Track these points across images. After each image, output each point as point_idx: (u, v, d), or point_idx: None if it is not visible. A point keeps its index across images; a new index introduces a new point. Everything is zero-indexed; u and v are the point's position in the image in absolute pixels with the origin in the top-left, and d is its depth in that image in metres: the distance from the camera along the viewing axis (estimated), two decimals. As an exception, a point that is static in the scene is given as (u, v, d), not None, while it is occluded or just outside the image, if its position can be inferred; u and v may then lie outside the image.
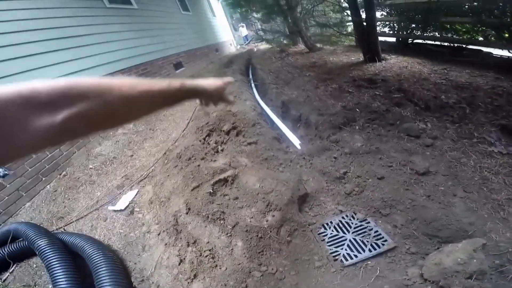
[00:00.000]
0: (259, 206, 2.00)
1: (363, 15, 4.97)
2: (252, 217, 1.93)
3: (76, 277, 1.67)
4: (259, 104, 4.57)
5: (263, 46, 13.10)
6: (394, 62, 5.03)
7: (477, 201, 1.86)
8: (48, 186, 3.17)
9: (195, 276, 1.67)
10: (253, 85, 6.05)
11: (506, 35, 4.44)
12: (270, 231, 1.82)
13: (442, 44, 5.80)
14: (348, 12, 5.63)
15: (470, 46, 5.30)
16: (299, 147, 3.02)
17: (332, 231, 1.92)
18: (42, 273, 2.02)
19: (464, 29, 5.31)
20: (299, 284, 1.61)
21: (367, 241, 1.78)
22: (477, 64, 4.33)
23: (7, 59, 3.03)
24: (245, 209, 2.01)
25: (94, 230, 2.35)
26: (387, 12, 6.74)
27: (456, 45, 5.49)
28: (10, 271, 2.08)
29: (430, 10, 5.14)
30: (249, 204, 2.04)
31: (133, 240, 2.15)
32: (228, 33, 17.14)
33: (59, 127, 0.40)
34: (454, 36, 5.49)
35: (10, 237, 2.11)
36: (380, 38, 5.64)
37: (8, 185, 2.80)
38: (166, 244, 1.95)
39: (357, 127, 2.93)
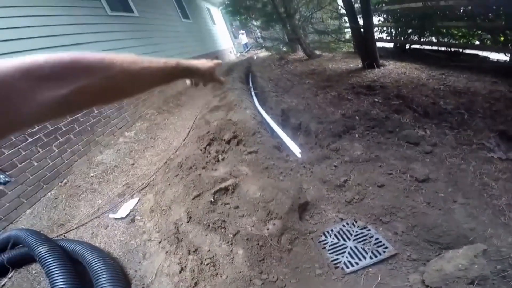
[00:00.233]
0: (260, 215, 2.01)
1: (361, 22, 5.03)
2: (253, 226, 1.94)
3: (76, 284, 1.67)
4: (259, 112, 4.60)
5: (263, 53, 13.22)
6: (392, 68, 5.07)
7: (477, 207, 1.86)
8: (49, 193, 3.19)
9: (196, 284, 1.67)
10: (253, 93, 6.09)
11: (502, 38, 4.48)
12: (271, 240, 1.83)
13: (439, 49, 5.86)
14: (346, 18, 5.71)
15: (467, 51, 5.35)
16: (299, 155, 3.03)
17: (333, 239, 1.92)
18: (41, 279, 2.02)
19: (460, 33, 5.36)
20: (300, 292, 1.60)
21: (368, 249, 1.78)
22: (474, 68, 4.36)
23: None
24: (246, 218, 2.02)
25: (95, 238, 2.36)
26: (384, 18, 6.82)
27: (453, 49, 5.54)
28: (9, 276, 2.07)
29: (425, 15, 5.20)
30: (250, 212, 2.05)
31: (133, 248, 2.15)
32: (228, 41, 17.32)
33: (62, 100, 0.41)
34: (450, 40, 5.54)
35: (11, 243, 2.11)
36: (378, 44, 5.70)
37: (9, 192, 2.82)
38: (167, 252, 1.95)
39: (356, 135, 2.95)
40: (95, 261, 1.77)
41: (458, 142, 2.54)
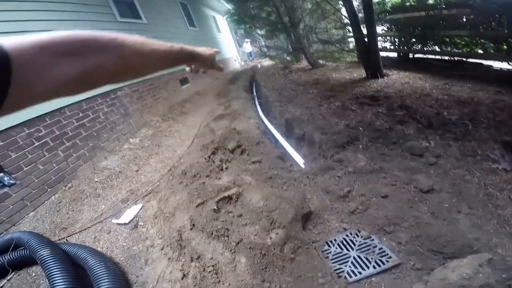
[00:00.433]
0: (263, 224, 2.01)
1: (365, 31, 5.09)
2: (256, 234, 1.94)
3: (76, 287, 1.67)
4: (263, 122, 4.63)
5: (267, 62, 13.36)
6: (396, 78, 5.10)
7: (482, 217, 1.85)
8: (53, 197, 3.22)
9: (198, 292, 1.67)
10: (257, 102, 6.14)
11: (505, 47, 4.50)
12: (274, 249, 1.82)
13: (443, 58, 5.89)
14: (350, 28, 5.78)
15: (470, 60, 5.37)
16: (303, 166, 3.04)
17: (336, 248, 1.92)
18: (41, 282, 2.02)
19: (463, 42, 5.39)
20: (303, 302, 1.59)
21: (372, 258, 1.77)
22: (478, 77, 4.37)
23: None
24: (249, 227, 2.02)
25: (97, 242, 2.36)
26: (387, 27, 6.90)
27: (456, 58, 5.56)
28: (8, 278, 2.07)
29: (428, 24, 5.26)
30: (253, 221, 2.05)
31: (136, 254, 2.15)
32: (232, 49, 17.53)
33: (78, 76, 0.43)
34: (453, 49, 5.57)
35: (13, 245, 2.12)
36: (382, 54, 5.76)
37: (14, 194, 2.85)
38: (169, 258, 1.95)
39: (360, 146, 2.96)
40: (97, 266, 1.77)
41: (462, 153, 2.54)
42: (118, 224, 2.54)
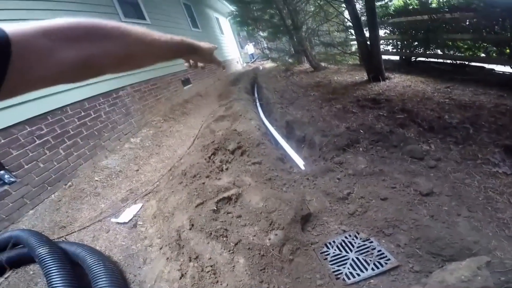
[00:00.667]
0: (262, 225, 2.01)
1: (367, 34, 5.09)
2: (254, 235, 1.94)
3: (74, 286, 1.66)
4: (264, 123, 4.64)
5: (269, 64, 13.39)
6: (397, 81, 5.09)
7: (481, 220, 1.85)
8: (52, 195, 3.22)
9: (195, 291, 1.67)
10: (258, 104, 6.15)
11: (507, 50, 4.48)
12: (273, 250, 1.82)
13: (445, 61, 5.88)
14: (352, 31, 5.79)
15: (473, 63, 5.34)
16: (303, 167, 3.04)
17: (335, 250, 1.91)
18: (38, 280, 2.01)
19: (465, 46, 5.36)
20: (300, 304, 1.59)
21: (370, 260, 1.77)
22: (480, 81, 4.35)
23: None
24: (248, 227, 2.02)
25: (96, 241, 2.37)
26: (390, 31, 6.90)
27: (458, 62, 5.54)
28: (6, 276, 2.07)
29: (431, 28, 5.26)
30: (252, 222, 2.06)
31: (134, 253, 2.15)
32: (235, 51, 17.58)
33: (81, 63, 0.43)
34: (456, 53, 5.55)
35: (11, 243, 2.12)
36: (384, 57, 5.76)
37: (13, 192, 2.86)
38: (167, 258, 1.95)
39: (360, 149, 2.95)
40: (95, 264, 1.77)
41: (463, 157, 2.53)
42: (117, 223, 2.54)
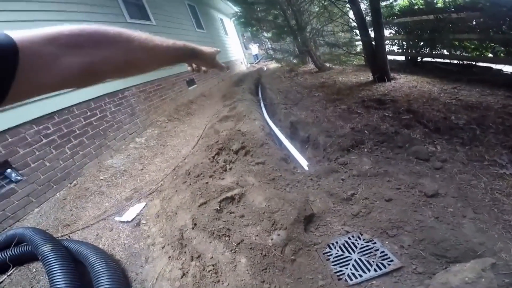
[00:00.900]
0: (265, 225, 2.01)
1: (372, 34, 5.06)
2: (257, 235, 1.93)
3: (76, 284, 1.67)
4: (267, 124, 4.63)
5: (273, 65, 13.39)
6: (403, 82, 5.04)
7: (487, 222, 1.82)
8: (58, 194, 3.26)
9: (197, 290, 1.67)
10: (262, 104, 6.15)
11: (515, 50, 4.41)
12: (275, 250, 1.81)
13: (452, 62, 5.80)
14: (357, 31, 5.75)
15: (480, 63, 5.25)
16: (306, 168, 3.03)
17: (338, 251, 1.90)
18: (41, 277, 2.04)
19: (472, 46, 5.27)
20: (302, 304, 1.58)
21: (373, 261, 1.75)
22: (487, 81, 4.28)
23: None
24: (250, 227, 2.02)
25: (99, 239, 2.39)
26: (395, 31, 6.83)
27: (465, 62, 5.46)
28: (8, 274, 2.09)
29: (437, 28, 5.19)
30: (255, 222, 2.05)
31: (137, 251, 2.17)
32: (239, 51, 17.62)
33: (85, 68, 0.43)
34: (463, 53, 5.47)
35: (15, 241, 2.15)
36: (389, 57, 5.70)
37: (19, 190, 2.90)
38: (170, 257, 1.95)
39: (365, 150, 2.93)
40: (97, 263, 1.78)
41: (469, 158, 2.49)
42: (121, 222, 2.56)
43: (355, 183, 2.50)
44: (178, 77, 7.10)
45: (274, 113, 5.33)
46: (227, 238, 1.91)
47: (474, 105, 3.39)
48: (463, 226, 1.80)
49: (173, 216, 2.31)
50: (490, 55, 5.03)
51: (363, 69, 7.04)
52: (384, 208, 2.13)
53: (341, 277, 1.71)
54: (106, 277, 1.66)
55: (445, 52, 5.78)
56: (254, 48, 20.34)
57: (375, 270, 1.69)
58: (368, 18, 5.53)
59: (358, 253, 1.84)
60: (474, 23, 4.77)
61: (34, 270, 2.11)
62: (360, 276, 1.68)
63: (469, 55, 5.35)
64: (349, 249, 1.89)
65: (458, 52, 5.53)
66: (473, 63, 5.33)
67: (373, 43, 5.07)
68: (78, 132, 3.68)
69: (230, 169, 2.93)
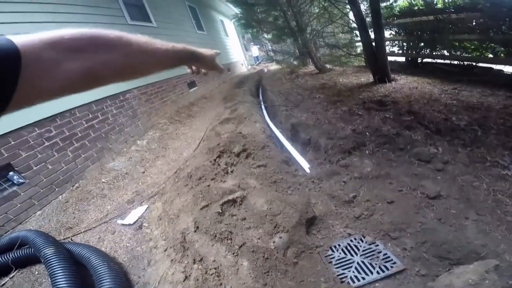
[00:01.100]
0: (267, 228, 2.01)
1: (372, 35, 5.05)
2: (259, 238, 1.94)
3: (78, 286, 1.67)
4: (269, 126, 4.63)
5: (273, 66, 13.38)
6: (404, 83, 5.04)
7: (490, 223, 1.81)
8: (60, 196, 3.27)
9: (199, 294, 1.67)
10: (263, 106, 6.15)
11: (516, 51, 4.40)
12: (277, 252, 1.82)
13: (452, 62, 5.79)
14: (357, 32, 5.75)
15: (480, 64, 5.23)
16: (308, 170, 3.02)
17: (340, 253, 1.90)
18: (43, 280, 2.04)
19: (473, 47, 5.26)
20: (305, 308, 1.58)
21: (376, 264, 1.75)
22: (488, 82, 4.26)
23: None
24: (252, 230, 2.02)
25: (101, 242, 2.39)
26: (395, 32, 6.82)
27: (466, 63, 5.44)
28: (11, 276, 2.10)
29: (437, 28, 5.18)
30: (257, 225, 2.05)
31: (139, 254, 2.17)
32: (239, 53, 17.65)
33: (86, 73, 0.43)
34: (463, 54, 5.45)
35: (18, 244, 2.15)
36: (390, 58, 5.69)
37: (22, 193, 2.91)
38: (172, 260, 1.96)
39: (367, 152, 2.93)
40: (99, 265, 1.79)
41: (471, 159, 2.49)
42: (123, 224, 2.56)
43: (356, 185, 2.50)
44: (179, 79, 7.12)
45: (275, 115, 5.34)
46: (229, 241, 1.92)
47: (475, 106, 3.38)
48: (466, 227, 1.80)
49: (175, 219, 2.32)
50: (490, 55, 5.01)
51: (363, 70, 7.03)
52: (386, 210, 2.13)
53: (343, 279, 1.71)
54: (108, 280, 1.67)
55: (446, 52, 5.77)
56: (255, 50, 20.36)
57: (378, 272, 1.69)
58: (368, 19, 5.52)
59: (361, 255, 1.84)
60: (474, 23, 4.76)
61: (36, 272, 2.11)
62: (363, 278, 1.68)
63: (470, 55, 5.33)
64: (352, 251, 1.89)
65: (459, 53, 5.52)
66: (474, 63, 5.31)
67: (373, 44, 5.07)
68: (80, 134, 3.69)
69: (232, 171, 2.93)
